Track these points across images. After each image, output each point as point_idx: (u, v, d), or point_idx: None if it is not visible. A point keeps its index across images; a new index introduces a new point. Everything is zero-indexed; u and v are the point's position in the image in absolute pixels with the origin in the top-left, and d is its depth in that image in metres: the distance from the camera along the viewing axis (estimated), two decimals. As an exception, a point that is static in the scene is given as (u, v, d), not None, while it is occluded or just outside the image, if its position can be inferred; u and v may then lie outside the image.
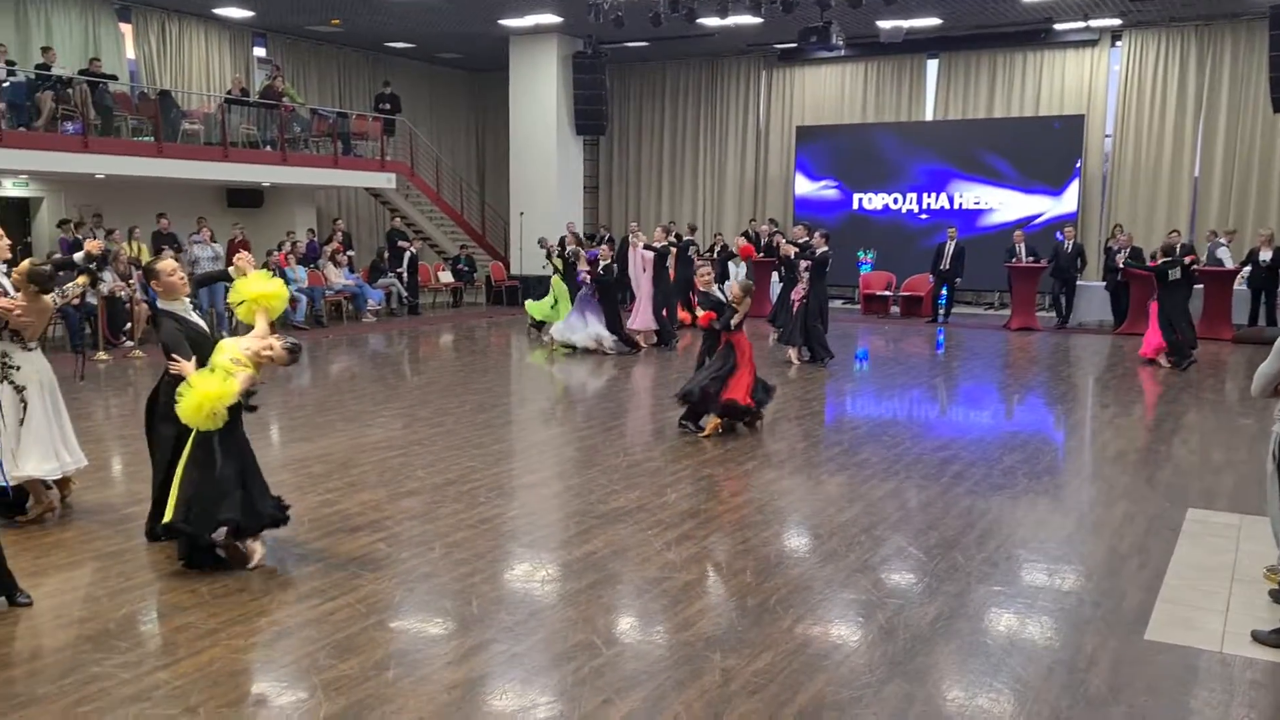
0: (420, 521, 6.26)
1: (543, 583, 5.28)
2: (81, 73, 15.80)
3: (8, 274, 5.89)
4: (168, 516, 5.27)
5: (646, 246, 15.02)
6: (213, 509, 5.27)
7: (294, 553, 5.63)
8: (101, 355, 12.95)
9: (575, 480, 7.38)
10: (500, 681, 4.14)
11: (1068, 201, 19.27)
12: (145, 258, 15.54)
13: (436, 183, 22.57)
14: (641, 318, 14.71)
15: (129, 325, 13.87)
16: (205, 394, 5.16)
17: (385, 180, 20.39)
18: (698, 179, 23.38)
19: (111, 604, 4.88)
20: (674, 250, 15.69)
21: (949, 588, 5.18)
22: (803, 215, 20.59)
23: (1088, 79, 19.52)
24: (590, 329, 14.01)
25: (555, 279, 15.29)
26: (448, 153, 24.17)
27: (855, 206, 21.15)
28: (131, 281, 14.16)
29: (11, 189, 16.73)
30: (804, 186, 21.57)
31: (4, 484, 5.28)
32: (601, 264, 14.20)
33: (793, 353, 13.08)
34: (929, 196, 20.54)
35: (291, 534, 5.92)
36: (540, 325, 15.74)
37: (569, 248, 15.37)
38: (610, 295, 14.29)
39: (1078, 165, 19.15)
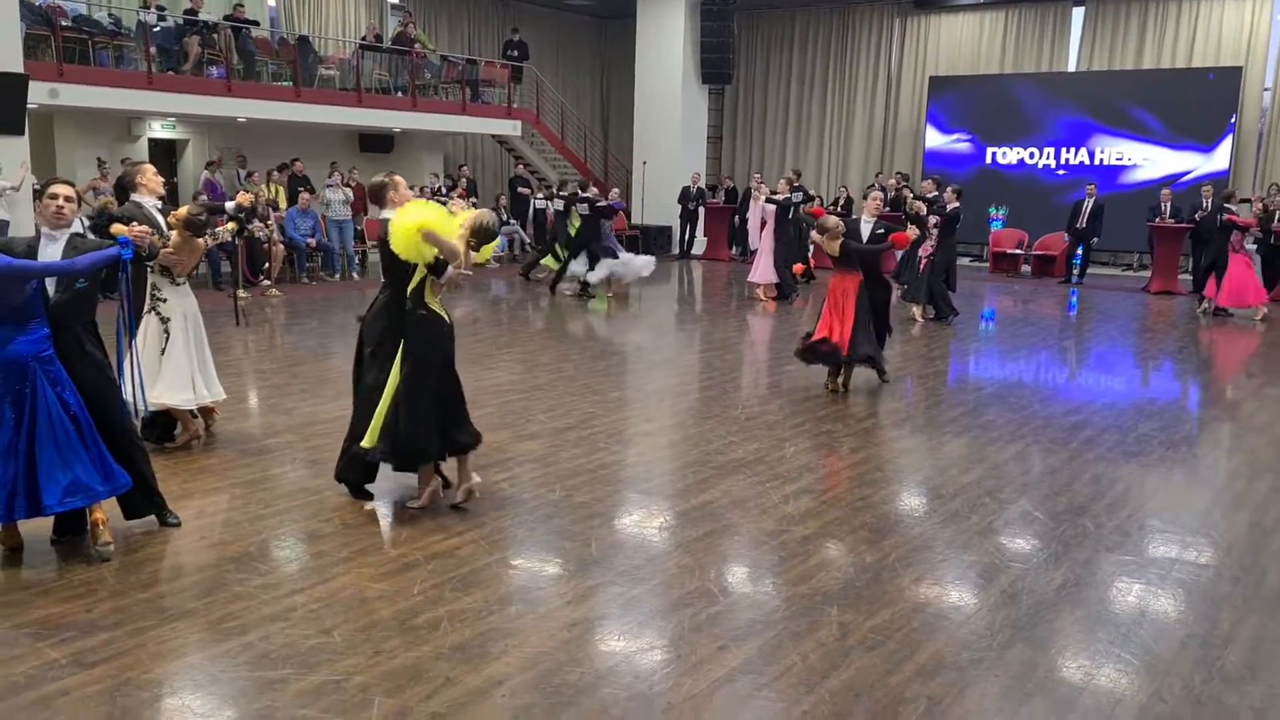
0: (541, 464, 6.38)
1: (660, 529, 5.33)
2: (226, 18, 16.35)
3: (162, 211, 6.17)
4: (367, 442, 5.34)
5: (769, 199, 14.80)
6: (413, 442, 5.30)
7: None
8: (241, 293, 13.50)
9: (693, 430, 7.40)
10: (617, 623, 4.21)
11: (1219, 159, 18.20)
12: (282, 200, 16.13)
13: (561, 130, 22.68)
14: (762, 271, 14.55)
15: (266, 265, 14.42)
16: (424, 218, 5.03)
17: (511, 127, 20.58)
18: (824, 131, 22.90)
19: (251, 529, 5.14)
20: (796, 204, 15.43)
21: (1076, 555, 5.02)
22: (932, 169, 19.98)
23: (1248, 28, 18.29)
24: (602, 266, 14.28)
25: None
26: (573, 100, 24.24)
27: (988, 161, 20.41)
28: (270, 223, 14.71)
29: (160, 131, 17.51)
30: (935, 139, 20.91)
31: (145, 409, 5.55)
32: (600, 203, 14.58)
33: (916, 310, 12.78)
34: (1068, 151, 19.66)
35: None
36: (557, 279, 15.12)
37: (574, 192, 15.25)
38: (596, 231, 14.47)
39: (1232, 120, 18.02)
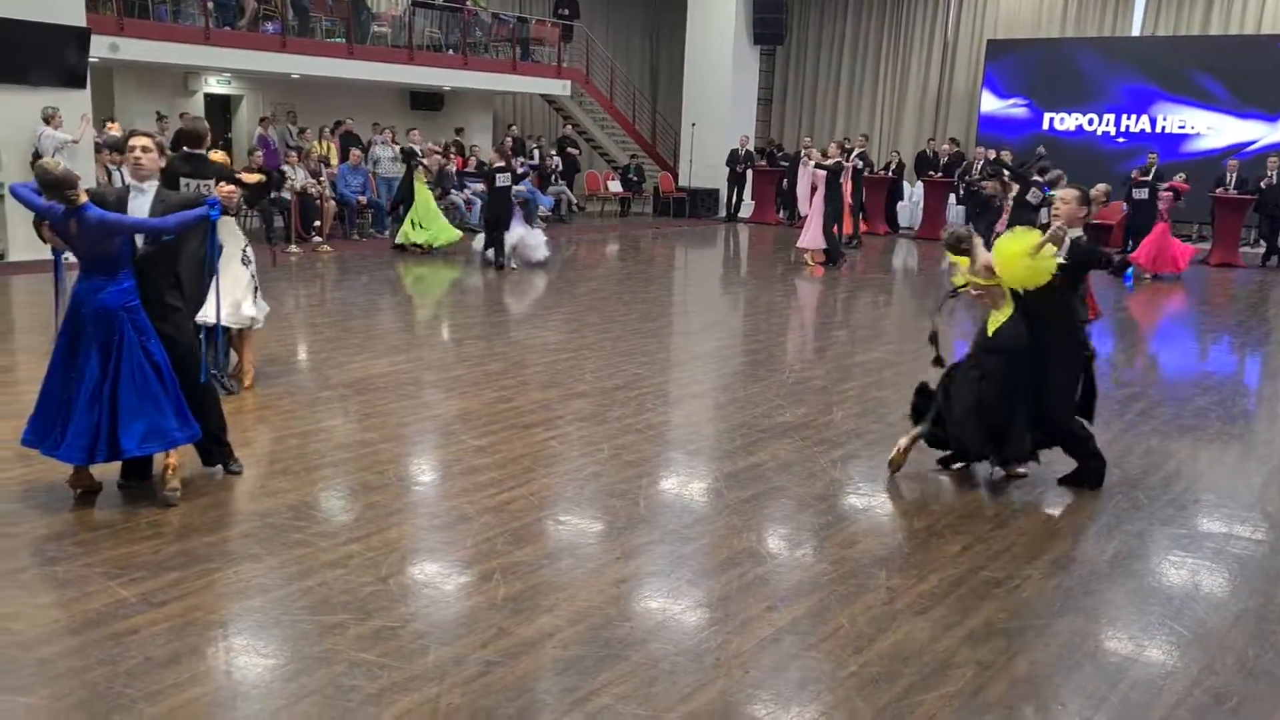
0: (589, 423, 6.43)
1: (708, 490, 5.37)
2: (281, -26, 16.42)
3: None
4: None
5: (819, 165, 14.65)
6: (970, 430, 5.28)
7: (472, 445, 5.90)
8: (293, 249, 13.68)
9: (740, 393, 7.41)
10: (666, 580, 4.26)
11: (1287, 128, 17.69)
12: (334, 157, 16.26)
13: (610, 91, 22.57)
14: (811, 236, 14.44)
15: (318, 221, 14.57)
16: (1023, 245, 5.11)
17: (560, 87, 20.52)
18: (877, 93, 22.57)
19: (308, 479, 5.25)
20: (849, 167, 15.28)
21: (1129, 526, 4.99)
22: (986, 134, 19.67)
23: (1322, -7, 17.70)
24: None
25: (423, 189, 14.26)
26: (622, 60, 24.09)
27: (1045, 126, 20.00)
28: (322, 179, 14.84)
29: (215, 86, 17.69)
30: (990, 104, 20.52)
31: (217, 324, 5.61)
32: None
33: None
34: (1128, 118, 19.21)
35: (469, 427, 6.21)
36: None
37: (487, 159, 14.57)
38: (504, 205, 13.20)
39: (1302, 88, 17.49)
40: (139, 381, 4.60)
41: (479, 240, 13.26)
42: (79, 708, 3.16)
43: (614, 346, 8.70)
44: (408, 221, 14.19)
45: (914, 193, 19.99)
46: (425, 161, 14.45)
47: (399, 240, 14.19)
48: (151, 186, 4.78)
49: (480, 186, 15.23)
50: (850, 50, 22.78)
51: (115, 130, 13.33)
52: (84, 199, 4.46)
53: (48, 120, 11.67)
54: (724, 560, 4.46)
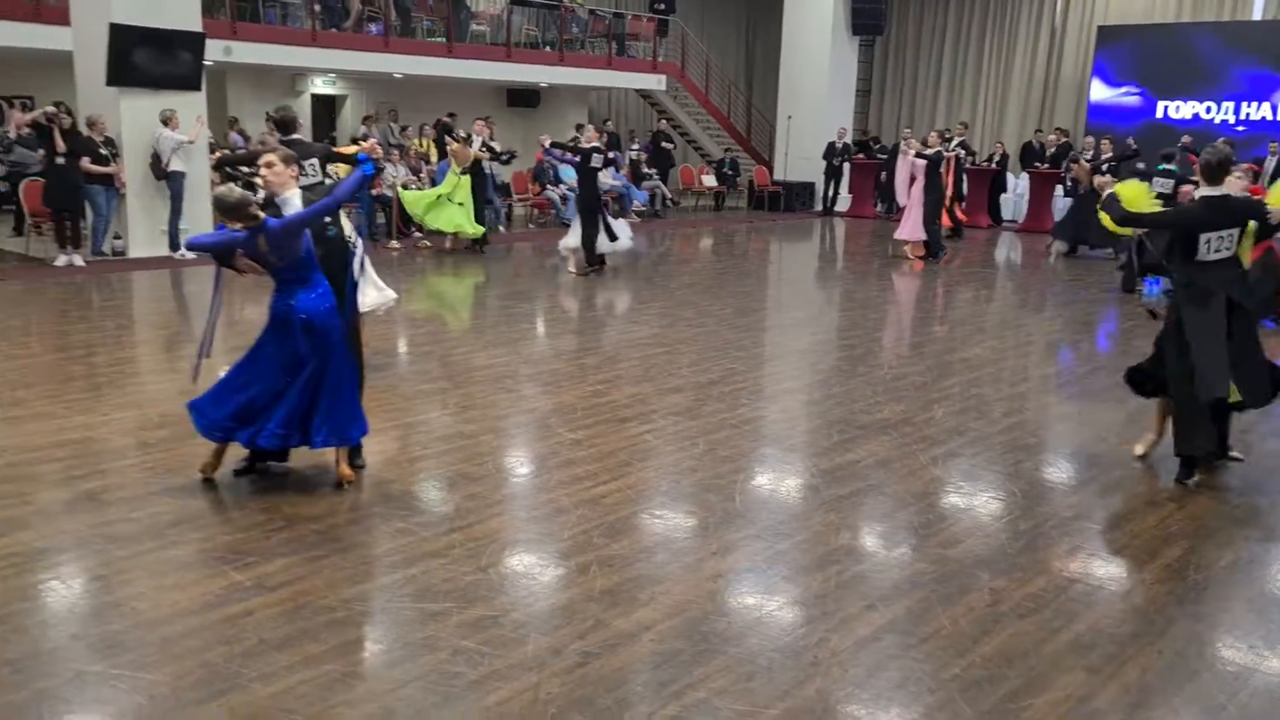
0: (684, 417, 6.44)
1: (804, 486, 5.32)
2: (385, -25, 16.81)
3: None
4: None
5: (918, 154, 14.37)
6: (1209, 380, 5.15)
7: (568, 438, 5.96)
8: (394, 244, 14.00)
9: (837, 389, 7.32)
10: (763, 576, 4.24)
11: None
12: (433, 153, 16.57)
13: (705, 84, 22.51)
14: (910, 227, 14.19)
15: (418, 217, 14.84)
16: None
17: (656, 81, 20.55)
18: (979, 83, 22.02)
19: (411, 469, 5.37)
20: (949, 157, 14.95)
21: (1250, 533, 4.78)
22: (1096, 124, 19.01)
23: None
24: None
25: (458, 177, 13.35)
26: (717, 53, 24.00)
27: (1159, 115, 19.24)
28: (422, 175, 15.14)
29: (321, 86, 18.21)
30: (1101, 92, 19.83)
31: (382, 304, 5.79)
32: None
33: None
34: (1249, 106, 18.36)
35: (565, 420, 6.27)
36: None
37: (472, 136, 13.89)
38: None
39: None
40: (335, 382, 4.83)
41: (571, 238, 12.41)
42: (198, 686, 3.29)
43: (708, 341, 8.68)
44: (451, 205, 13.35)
45: (1018, 184, 19.45)
46: (452, 148, 13.63)
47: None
48: (294, 194, 4.91)
49: (571, 169, 14.54)
50: (953, 39, 22.27)
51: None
52: (263, 216, 4.61)
53: (165, 122, 12.16)
54: (821, 557, 4.42)
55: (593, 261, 12.09)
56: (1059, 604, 4.01)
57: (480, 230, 13.54)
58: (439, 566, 4.19)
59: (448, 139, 14.19)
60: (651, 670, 3.47)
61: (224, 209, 4.55)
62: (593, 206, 12.07)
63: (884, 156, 19.57)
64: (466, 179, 13.31)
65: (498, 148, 14.29)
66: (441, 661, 3.47)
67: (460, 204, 13.27)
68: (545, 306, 10.40)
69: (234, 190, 4.63)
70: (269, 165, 4.91)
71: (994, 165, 18.96)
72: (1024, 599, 4.05)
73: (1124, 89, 19.61)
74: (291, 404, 4.80)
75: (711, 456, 5.71)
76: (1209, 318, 5.19)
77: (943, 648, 3.66)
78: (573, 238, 12.28)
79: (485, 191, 13.99)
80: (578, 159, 12.05)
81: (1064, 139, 18.32)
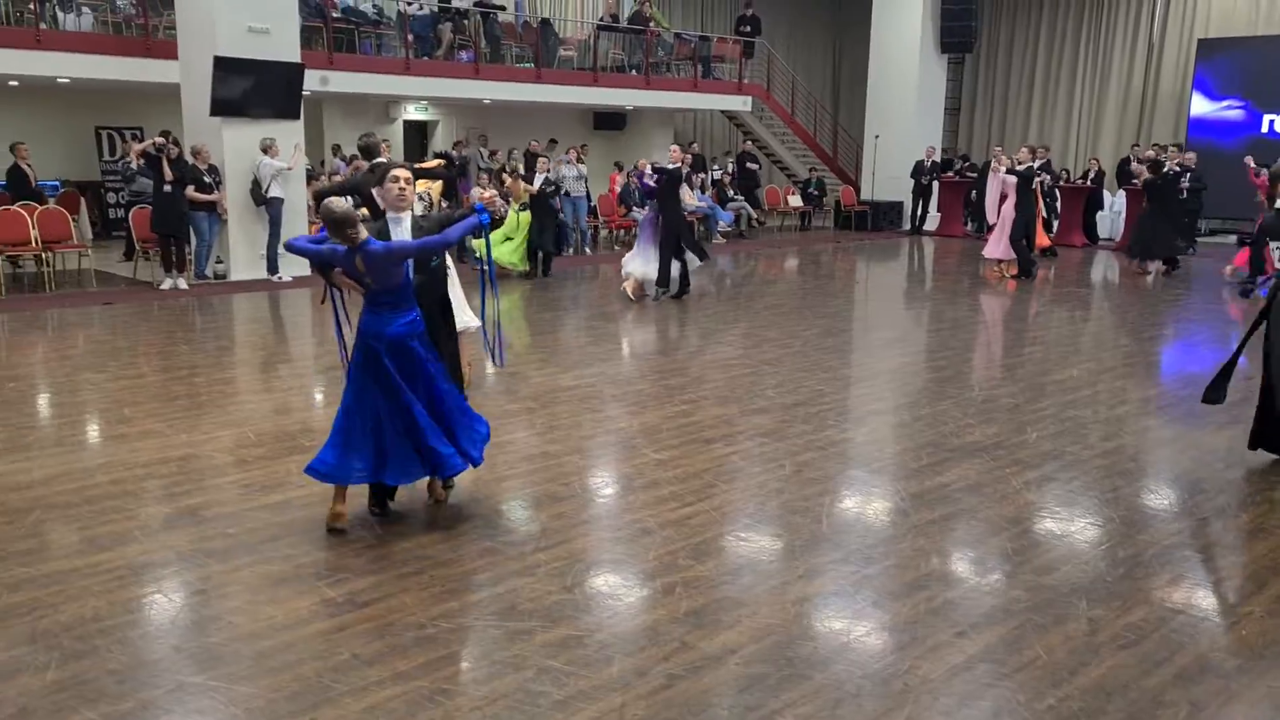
0: (770, 439, 6.39)
1: (892, 510, 5.23)
2: (475, 5, 17.19)
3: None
4: None
5: (1010, 170, 14.09)
6: None
7: (653, 459, 5.96)
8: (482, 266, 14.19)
9: (926, 411, 7.19)
10: (850, 600, 4.18)
11: None
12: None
13: (790, 104, 22.46)
14: (1000, 246, 13.90)
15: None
16: None
17: (741, 103, 20.58)
18: (1073, 99, 21.54)
19: (497, 489, 5.44)
20: (1039, 176, 14.62)
21: (1367, 564, 4.54)
22: (1196, 139, 18.42)
23: None
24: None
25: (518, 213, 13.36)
26: (803, 73, 23.94)
27: (1264, 129, 18.55)
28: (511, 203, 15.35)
29: (413, 113, 18.67)
30: (1201, 106, 19.22)
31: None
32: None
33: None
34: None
35: (650, 441, 6.28)
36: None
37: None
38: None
39: None
40: (455, 401, 4.86)
41: (635, 262, 11.79)
42: (292, 699, 3.37)
43: (795, 362, 8.62)
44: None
45: (1115, 202, 18.92)
46: (508, 184, 13.52)
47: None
48: (407, 215, 4.84)
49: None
50: (1045, 54, 21.85)
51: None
52: (365, 235, 4.54)
53: (265, 150, 12.61)
54: (910, 582, 4.34)
55: (665, 284, 11.70)
56: (1161, 635, 3.86)
57: (526, 266, 13.52)
58: (525, 586, 4.22)
59: (504, 175, 14.29)
60: (736, 694, 3.43)
61: (329, 221, 4.47)
62: (676, 230, 11.75)
63: (973, 175, 19.24)
64: (525, 215, 13.38)
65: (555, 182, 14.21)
66: (527, 680, 3.49)
67: (509, 238, 13.33)
68: (630, 327, 10.45)
69: (343, 204, 4.53)
70: (408, 179, 4.83)
71: (1089, 183, 18.49)
72: (1124, 629, 3.91)
73: (1226, 102, 18.97)
74: (400, 437, 4.71)
75: (798, 479, 5.65)
76: None
77: (1038, 678, 3.55)
78: (636, 262, 11.77)
79: (553, 219, 14.06)
80: (663, 179, 11.78)
81: (1181, 155, 17.15)
